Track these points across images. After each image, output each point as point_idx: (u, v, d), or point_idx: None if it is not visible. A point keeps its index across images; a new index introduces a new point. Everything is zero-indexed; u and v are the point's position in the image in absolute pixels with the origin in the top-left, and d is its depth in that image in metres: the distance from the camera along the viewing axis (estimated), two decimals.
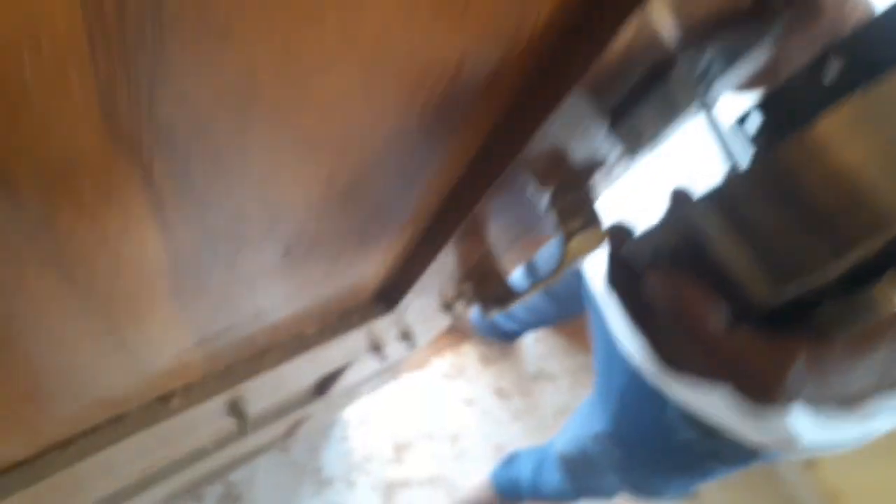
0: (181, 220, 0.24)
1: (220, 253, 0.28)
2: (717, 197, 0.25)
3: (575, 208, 0.37)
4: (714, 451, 0.85)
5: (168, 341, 0.37)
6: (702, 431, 0.81)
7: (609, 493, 1.28)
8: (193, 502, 1.42)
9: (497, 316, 1.61)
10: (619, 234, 0.33)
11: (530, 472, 1.42)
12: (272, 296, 0.37)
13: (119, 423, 0.46)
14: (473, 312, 1.76)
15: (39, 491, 0.45)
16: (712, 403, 0.76)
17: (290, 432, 1.26)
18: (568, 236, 0.39)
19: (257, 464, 1.49)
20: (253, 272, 0.32)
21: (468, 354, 1.81)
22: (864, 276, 0.24)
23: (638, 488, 1.08)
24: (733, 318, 0.27)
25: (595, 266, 0.86)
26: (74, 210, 0.20)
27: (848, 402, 0.28)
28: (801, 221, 0.23)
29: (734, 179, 0.25)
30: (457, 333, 1.81)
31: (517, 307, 1.52)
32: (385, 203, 0.33)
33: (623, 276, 0.32)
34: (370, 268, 0.45)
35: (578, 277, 1.17)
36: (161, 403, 0.46)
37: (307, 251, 0.33)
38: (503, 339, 1.79)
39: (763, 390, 0.27)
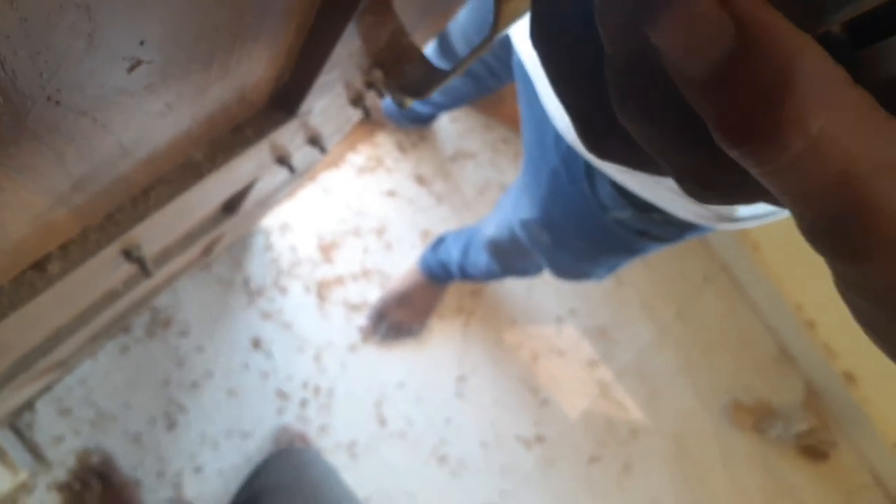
0: None
1: (28, 82, 0.19)
2: None
3: None
4: (647, 228, 0.83)
5: (11, 209, 0.28)
6: (635, 208, 0.79)
7: (536, 271, 1.31)
8: (122, 334, 1.38)
9: None
10: None
11: (458, 254, 1.43)
12: (135, 126, 0.29)
13: None
14: (384, 99, 1.65)
15: None
16: (647, 182, 0.73)
17: (207, 252, 1.20)
18: None
19: (180, 286, 1.44)
20: (94, 101, 0.23)
21: (384, 145, 1.74)
22: None
23: (565, 272, 1.09)
24: None
25: (523, 25, 0.76)
26: None
27: None
28: None
29: None
30: (369, 124, 1.72)
31: None
32: None
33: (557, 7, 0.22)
34: (256, 70, 0.36)
35: (497, 49, 1.07)
36: (37, 272, 0.38)
37: (165, 59, 0.24)
38: (418, 123, 1.71)
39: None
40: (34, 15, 0.16)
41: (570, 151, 0.79)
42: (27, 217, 0.30)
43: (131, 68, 0.22)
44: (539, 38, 0.23)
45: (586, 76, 0.22)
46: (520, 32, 0.77)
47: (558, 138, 0.80)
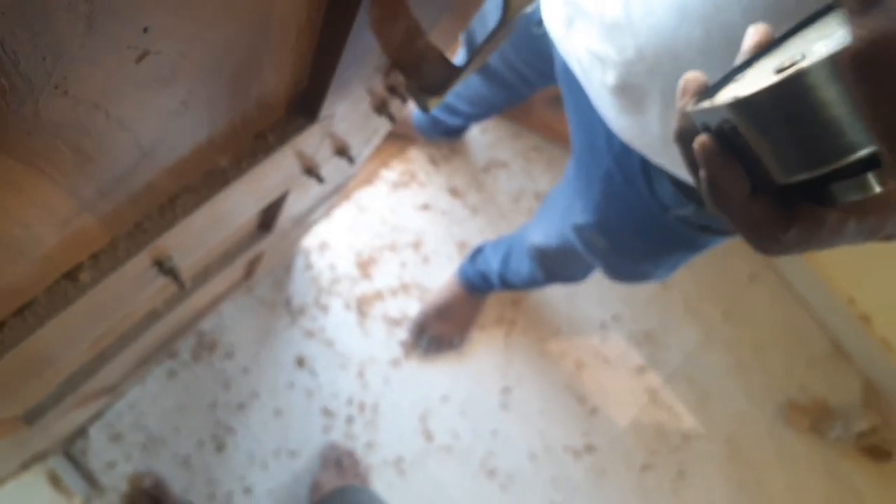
0: None
1: (32, 67, 0.19)
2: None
3: None
4: (710, 223, 0.80)
5: (38, 213, 0.29)
6: (698, 203, 0.76)
7: (583, 277, 1.29)
8: (168, 359, 1.40)
9: (439, 112, 1.52)
10: (697, 88, 0.38)
11: (498, 263, 1.42)
12: (152, 124, 0.29)
13: (27, 312, 0.39)
14: (414, 114, 1.67)
15: None
16: None
17: (249, 273, 1.21)
18: None
19: (224, 309, 1.46)
20: (105, 94, 0.23)
21: (416, 159, 1.75)
22: (854, 170, 0.31)
23: (623, 275, 1.07)
24: (757, 189, 0.36)
25: (570, 33, 0.74)
26: None
27: None
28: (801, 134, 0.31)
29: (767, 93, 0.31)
30: (400, 140, 1.73)
31: (459, 101, 1.42)
32: None
33: (686, 129, 0.38)
34: (271, 70, 0.36)
35: (530, 56, 1.06)
36: (69, 281, 0.39)
37: (173, 51, 0.24)
38: (449, 136, 1.72)
39: (766, 242, 0.37)
40: None
41: (623, 151, 0.77)
42: (54, 222, 0.31)
43: (139, 58, 0.23)
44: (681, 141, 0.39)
45: None
46: (563, 35, 0.75)
47: (610, 139, 0.78)
